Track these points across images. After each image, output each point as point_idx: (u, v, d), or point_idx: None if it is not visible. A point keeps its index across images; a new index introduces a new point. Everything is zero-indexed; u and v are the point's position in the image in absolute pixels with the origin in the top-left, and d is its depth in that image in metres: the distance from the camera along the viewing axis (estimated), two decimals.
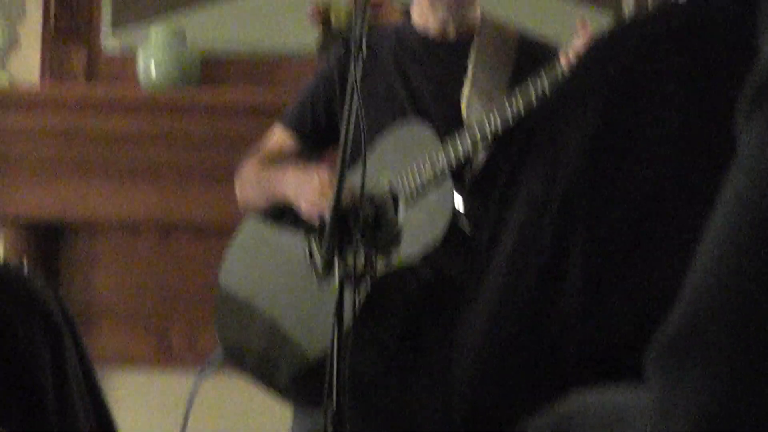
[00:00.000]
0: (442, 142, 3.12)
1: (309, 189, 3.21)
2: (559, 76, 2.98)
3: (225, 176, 3.76)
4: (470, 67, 3.21)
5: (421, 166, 3.14)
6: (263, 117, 3.78)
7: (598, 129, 0.93)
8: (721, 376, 0.55)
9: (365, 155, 2.93)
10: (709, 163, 0.81)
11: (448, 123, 3.16)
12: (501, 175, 1.05)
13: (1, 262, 3.68)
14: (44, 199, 4.15)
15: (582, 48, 2.95)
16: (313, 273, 3.22)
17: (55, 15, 4.31)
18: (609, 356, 0.92)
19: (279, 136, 3.41)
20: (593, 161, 0.93)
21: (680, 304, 0.58)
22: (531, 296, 0.97)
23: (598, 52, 1.00)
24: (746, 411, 0.54)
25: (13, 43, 4.21)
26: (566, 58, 3.01)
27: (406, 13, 3.45)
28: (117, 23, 4.41)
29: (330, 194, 3.01)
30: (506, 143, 3.06)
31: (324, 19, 4.21)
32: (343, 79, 3.04)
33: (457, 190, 3.11)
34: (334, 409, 2.65)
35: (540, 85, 3.00)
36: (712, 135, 0.87)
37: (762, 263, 0.56)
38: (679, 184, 0.90)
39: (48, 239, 4.22)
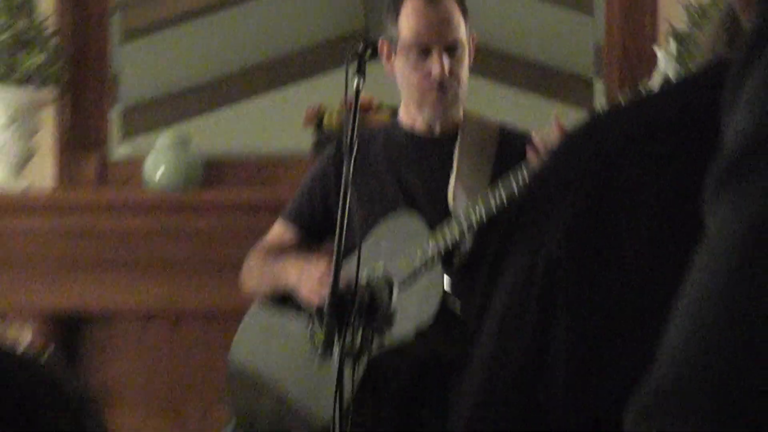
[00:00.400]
0: (431, 230, 3.16)
1: (308, 279, 3.24)
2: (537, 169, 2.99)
3: (228, 268, 3.86)
4: (455, 161, 3.27)
5: (413, 254, 3.17)
6: (262, 214, 3.84)
7: (577, 213, 0.95)
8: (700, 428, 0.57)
9: (360, 245, 3.01)
10: (682, 245, 0.80)
11: (437, 213, 3.20)
12: (488, 257, 1.05)
13: (28, 351, 3.70)
14: (63, 293, 4.19)
15: (555, 141, 2.95)
16: (315, 352, 3.21)
17: (68, 127, 4.36)
18: (594, 427, 0.93)
19: (281, 230, 3.46)
20: (573, 243, 0.94)
21: (654, 369, 0.61)
22: (518, 368, 0.97)
23: (575, 142, 1.01)
24: None
25: (29, 155, 4.23)
26: (536, 151, 3.05)
27: (394, 113, 3.51)
28: (126, 134, 4.48)
29: (328, 282, 3.02)
30: (490, 230, 3.09)
31: (317, 121, 4.24)
32: (338, 176, 3.04)
33: (446, 274, 3.14)
34: None
35: (520, 176, 3.04)
36: (684, 219, 0.87)
37: (729, 329, 0.58)
38: (655, 264, 0.92)
39: (68, 329, 4.25)
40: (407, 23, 3.24)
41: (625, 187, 0.94)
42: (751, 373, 0.57)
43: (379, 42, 3.20)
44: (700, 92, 0.97)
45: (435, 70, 3.21)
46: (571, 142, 1.03)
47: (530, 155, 3.06)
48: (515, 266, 0.99)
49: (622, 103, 1.09)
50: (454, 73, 3.23)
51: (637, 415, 0.60)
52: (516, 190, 3.06)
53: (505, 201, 3.08)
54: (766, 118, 0.61)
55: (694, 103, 0.96)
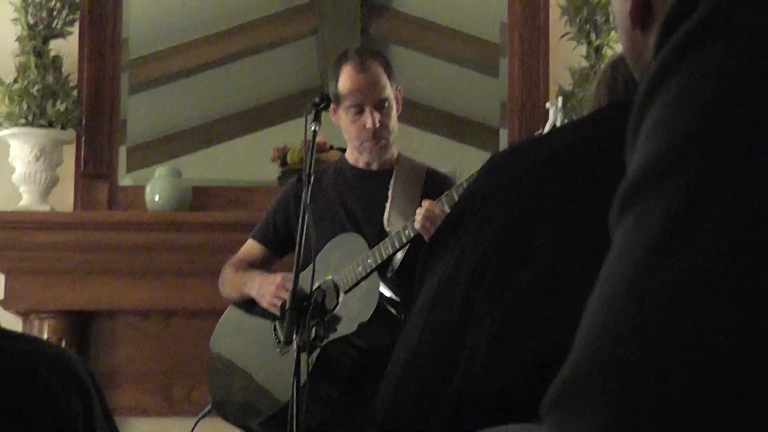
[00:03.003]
0: (370, 248, 3.10)
1: (267, 292, 3.20)
2: (454, 200, 2.97)
3: (210, 274, 3.74)
4: (390, 192, 3.20)
5: (356, 265, 3.11)
6: (238, 231, 3.74)
7: (500, 219, 0.90)
8: (607, 416, 0.49)
9: (314, 258, 2.97)
10: (590, 253, 0.75)
11: (375, 234, 3.14)
12: (421, 256, 0.99)
13: (48, 341, 3.60)
14: (77, 294, 4.09)
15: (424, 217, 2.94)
16: (277, 343, 3.20)
17: (84, 161, 4.26)
18: (507, 407, 0.86)
19: (250, 247, 3.39)
20: (499, 246, 0.89)
21: (569, 357, 0.53)
22: (441, 346, 0.91)
23: (498, 163, 0.96)
24: None
25: (53, 182, 4.14)
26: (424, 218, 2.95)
27: (342, 152, 3.44)
28: (131, 167, 4.38)
29: (282, 293, 3.11)
30: (416, 247, 3.02)
31: (282, 157, 4.19)
32: (297, 203, 3.04)
33: (382, 281, 3.09)
34: None
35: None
36: (589, 227, 0.83)
37: (630, 322, 0.51)
38: (562, 263, 0.86)
39: (80, 324, 4.15)
40: (343, 86, 3.17)
41: (537, 198, 0.89)
42: (658, 359, 0.49)
43: (330, 100, 3.13)
44: (598, 126, 0.92)
45: (368, 123, 3.14)
46: (494, 163, 0.98)
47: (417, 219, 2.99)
48: (446, 262, 0.93)
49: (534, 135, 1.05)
50: (383, 124, 3.16)
51: (548, 404, 0.52)
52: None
53: None
54: (662, 147, 0.54)
55: (593, 134, 0.91)
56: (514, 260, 0.87)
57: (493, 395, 0.87)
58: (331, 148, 3.96)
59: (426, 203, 2.99)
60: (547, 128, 3.00)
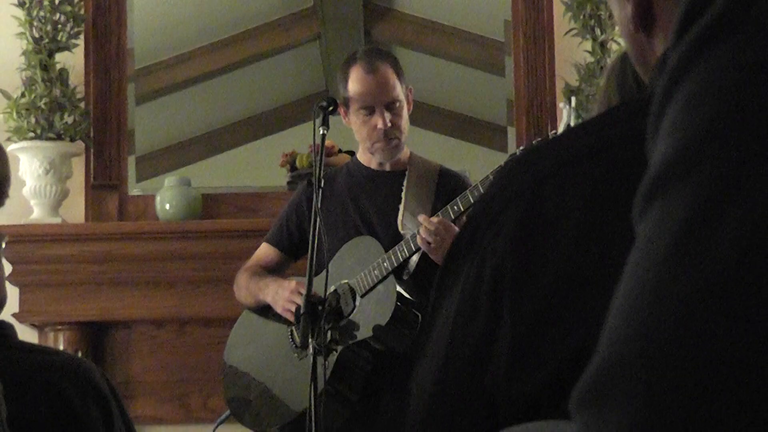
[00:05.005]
0: (385, 250, 3.09)
1: (281, 298, 3.17)
2: (469, 202, 2.97)
3: (222, 282, 3.78)
4: (403, 193, 3.18)
5: (372, 269, 3.09)
6: (249, 238, 3.74)
7: (518, 226, 0.89)
8: (636, 411, 0.49)
9: (328, 262, 2.96)
10: (612, 252, 0.77)
11: (390, 236, 3.12)
12: (444, 266, 0.98)
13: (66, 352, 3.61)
14: (90, 306, 4.08)
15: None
16: (293, 349, 3.19)
17: (94, 173, 4.26)
18: (532, 410, 0.87)
19: (265, 251, 3.36)
20: (516, 249, 0.88)
21: (596, 354, 0.53)
22: (470, 355, 0.91)
23: (514, 167, 0.95)
24: None
25: (63, 195, 4.13)
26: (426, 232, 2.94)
27: (352, 154, 3.43)
28: (140, 177, 4.36)
29: (296, 298, 3.09)
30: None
31: (291, 162, 4.17)
32: (309, 206, 3.04)
33: (398, 284, 3.07)
34: None
35: (456, 208, 2.97)
36: (607, 228, 0.84)
37: (662, 314, 0.51)
38: (581, 268, 0.86)
39: (95, 335, 4.14)
40: (353, 88, 3.16)
41: (555, 202, 0.87)
42: (685, 354, 0.49)
43: (337, 103, 3.12)
44: (614, 126, 0.90)
45: (379, 124, 3.12)
46: (510, 168, 0.96)
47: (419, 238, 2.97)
48: (465, 273, 0.92)
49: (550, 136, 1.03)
50: (394, 124, 3.14)
51: (577, 401, 0.52)
52: (452, 219, 2.99)
53: None
54: (683, 141, 0.54)
55: (610, 135, 0.89)
56: (532, 268, 0.87)
57: (519, 400, 0.86)
58: (340, 151, 3.96)
59: (424, 222, 2.95)
60: (561, 128, 3.00)
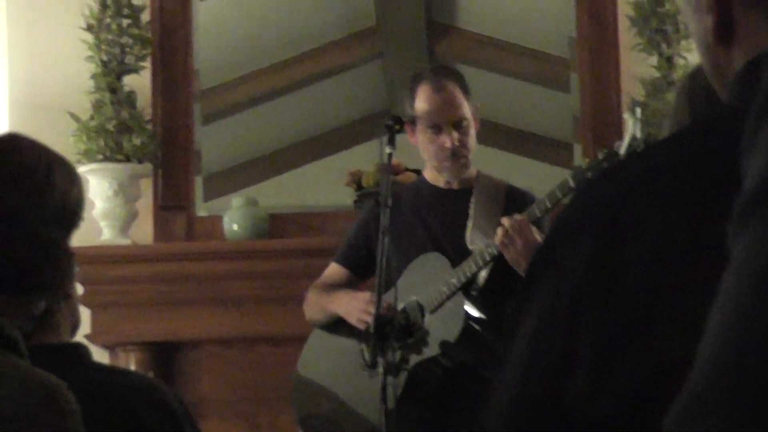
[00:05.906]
0: (453, 267, 3.08)
1: (355, 308, 3.18)
2: (536, 217, 2.96)
3: (290, 301, 3.77)
4: (471, 210, 3.17)
5: (440, 286, 3.09)
6: (316, 257, 3.74)
7: (594, 247, 0.87)
8: None
9: (397, 280, 2.98)
10: (691, 268, 0.77)
11: (457, 253, 3.11)
12: (515, 291, 0.98)
13: (138, 373, 3.64)
14: (160, 326, 4.11)
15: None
16: (365, 366, 3.17)
17: (162, 194, 4.29)
18: (608, 426, 0.85)
19: (334, 270, 3.38)
20: (594, 267, 0.87)
21: (691, 375, 0.52)
22: (549, 374, 0.90)
23: (589, 189, 0.94)
24: None
25: (132, 216, 4.17)
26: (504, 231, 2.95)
27: (419, 173, 3.43)
28: (208, 197, 4.39)
29: (371, 310, 3.05)
30: (500, 266, 3.01)
31: (357, 181, 4.18)
32: (377, 223, 3.04)
33: (467, 301, 3.06)
34: None
35: (539, 210, 2.97)
36: (692, 247, 0.81)
37: (761, 335, 0.50)
38: (666, 284, 0.83)
39: (165, 355, 4.17)
40: (420, 107, 3.16)
41: (632, 222, 0.86)
42: None
43: (403, 121, 3.12)
44: (689, 141, 0.88)
45: (447, 143, 3.13)
46: (586, 189, 0.95)
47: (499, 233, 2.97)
48: (542, 294, 0.91)
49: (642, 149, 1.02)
50: (462, 142, 3.14)
51: (676, 418, 0.51)
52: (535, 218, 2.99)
53: None
54: None
55: (684, 151, 0.87)
56: (611, 282, 0.86)
57: (598, 420, 0.85)
58: (406, 169, 3.96)
59: (506, 221, 2.97)
60: (626, 139, 2.97)
